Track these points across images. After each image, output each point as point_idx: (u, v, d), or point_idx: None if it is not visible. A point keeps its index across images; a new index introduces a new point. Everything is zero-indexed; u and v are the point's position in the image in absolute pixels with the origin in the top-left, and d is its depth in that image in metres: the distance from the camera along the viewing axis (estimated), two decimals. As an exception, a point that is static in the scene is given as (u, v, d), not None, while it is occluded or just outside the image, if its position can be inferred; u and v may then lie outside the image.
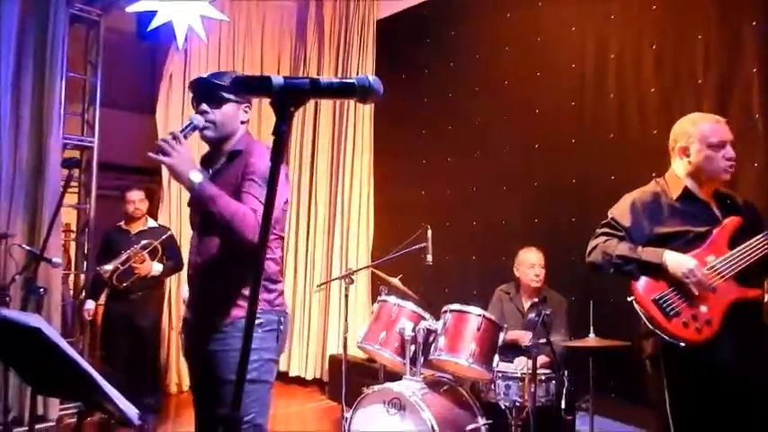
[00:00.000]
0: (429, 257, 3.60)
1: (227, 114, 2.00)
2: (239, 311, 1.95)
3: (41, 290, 2.75)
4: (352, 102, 6.10)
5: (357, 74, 5.63)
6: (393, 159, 5.50)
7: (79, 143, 4.85)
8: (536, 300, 3.07)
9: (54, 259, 3.21)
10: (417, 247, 3.59)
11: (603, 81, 4.01)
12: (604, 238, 2.30)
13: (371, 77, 1.13)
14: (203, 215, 1.97)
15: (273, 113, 1.08)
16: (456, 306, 3.24)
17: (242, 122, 2.07)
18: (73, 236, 5.17)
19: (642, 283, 2.18)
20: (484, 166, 4.75)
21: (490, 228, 4.64)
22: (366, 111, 5.59)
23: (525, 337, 3.35)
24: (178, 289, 5.13)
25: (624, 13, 3.93)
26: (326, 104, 5.83)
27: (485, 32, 4.83)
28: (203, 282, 2.04)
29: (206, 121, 1.99)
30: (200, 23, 4.17)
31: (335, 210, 5.69)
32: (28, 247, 3.48)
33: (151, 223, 4.35)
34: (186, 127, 1.93)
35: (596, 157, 3.99)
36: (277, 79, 1.07)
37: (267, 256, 2.00)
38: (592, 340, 2.99)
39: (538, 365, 2.91)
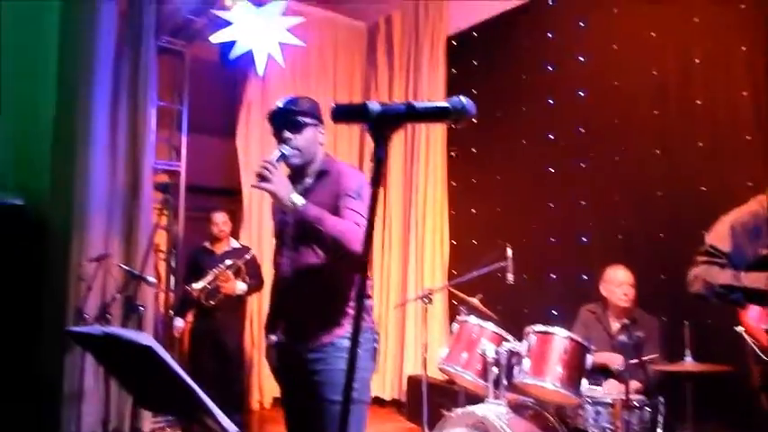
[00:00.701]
0: (510, 276, 3.52)
1: (308, 139, 2.09)
2: (340, 330, 1.99)
3: (141, 308, 2.89)
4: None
5: (428, 92, 5.64)
6: (467, 176, 5.45)
7: (168, 167, 5.13)
8: (626, 321, 2.92)
9: (149, 278, 3.38)
10: (497, 266, 3.52)
11: (688, 87, 3.82)
12: (704, 266, 2.16)
13: (464, 99, 1.13)
14: (299, 231, 2.03)
15: (372, 139, 1.10)
16: (540, 327, 3.13)
17: (320, 144, 2.16)
18: (162, 255, 5.44)
19: (752, 312, 2.03)
20: (561, 181, 4.62)
21: (569, 245, 4.49)
22: (439, 127, 5.58)
23: (616, 360, 3.21)
24: (260, 308, 5.28)
25: (708, 16, 3.74)
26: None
27: (557, 43, 4.73)
28: (299, 297, 2.06)
29: (291, 148, 2.06)
30: (278, 50, 4.32)
31: (410, 227, 5.70)
32: (127, 267, 3.68)
33: (234, 243, 4.52)
34: (276, 158, 2.00)
35: (684, 167, 3.79)
36: (374, 106, 1.09)
37: None
38: (689, 364, 2.80)
39: (630, 390, 2.76)
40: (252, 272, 4.38)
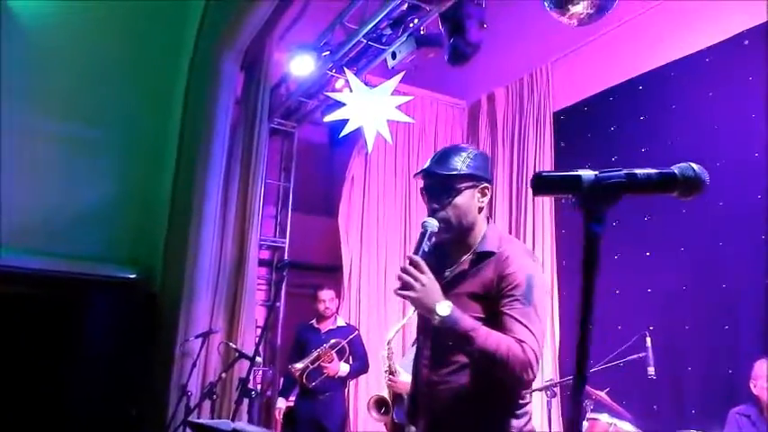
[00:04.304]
0: (651, 370, 3.10)
1: (461, 207, 1.71)
2: None
3: (253, 392, 2.78)
4: (530, 190, 5.96)
5: (535, 169, 5.46)
6: (578, 256, 5.06)
7: (272, 243, 5.18)
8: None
9: (257, 359, 3.29)
10: (635, 356, 3.13)
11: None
12: None
13: (696, 166, 0.93)
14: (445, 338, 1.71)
15: (583, 215, 0.92)
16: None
17: (479, 209, 1.76)
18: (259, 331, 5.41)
19: None
20: (690, 261, 4.17)
21: (708, 333, 3.97)
22: (546, 200, 5.29)
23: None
24: (356, 391, 5.05)
25: None
26: (502, 192, 5.67)
27: (678, 116, 4.44)
28: (444, 402, 1.72)
29: (439, 221, 1.70)
30: (386, 128, 4.34)
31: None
32: (234, 346, 3.63)
33: (340, 322, 4.39)
34: (421, 240, 1.66)
35: None
36: (587, 175, 0.92)
37: None
38: None
39: None
40: (357, 353, 4.21)
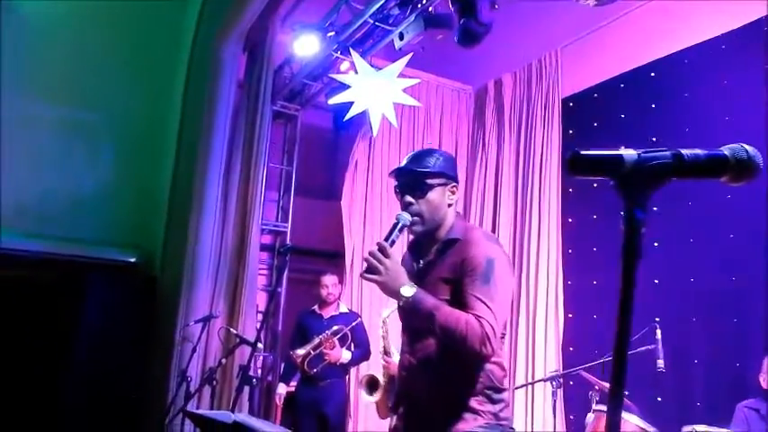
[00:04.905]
0: (660, 363, 3.04)
1: (432, 203, 1.84)
2: (464, 425, 1.72)
3: (254, 380, 2.73)
4: (536, 178, 5.93)
5: (542, 156, 5.37)
6: (587, 243, 5.02)
7: (274, 228, 5.11)
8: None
9: (258, 344, 3.23)
10: (644, 348, 3.07)
11: None
12: None
13: (749, 148, 0.85)
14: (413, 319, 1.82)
15: (622, 198, 0.84)
16: (704, 428, 2.65)
17: (449, 205, 1.89)
18: (260, 317, 5.36)
19: None
20: (698, 253, 4.10)
21: (715, 326, 3.91)
22: (552, 188, 5.24)
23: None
24: (357, 378, 5.00)
25: None
26: (508, 179, 5.60)
27: (690, 104, 4.34)
28: (419, 387, 1.83)
29: (412, 215, 1.83)
30: (392, 111, 4.25)
31: (519, 298, 5.28)
32: (235, 332, 3.57)
33: (342, 308, 4.33)
34: (392, 230, 1.78)
35: None
36: (629, 156, 0.83)
37: (492, 359, 1.75)
38: None
39: None
40: (358, 340, 4.15)
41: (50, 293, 4.45)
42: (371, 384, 3.56)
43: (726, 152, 0.84)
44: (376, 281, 1.70)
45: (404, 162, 1.92)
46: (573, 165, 0.85)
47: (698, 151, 0.84)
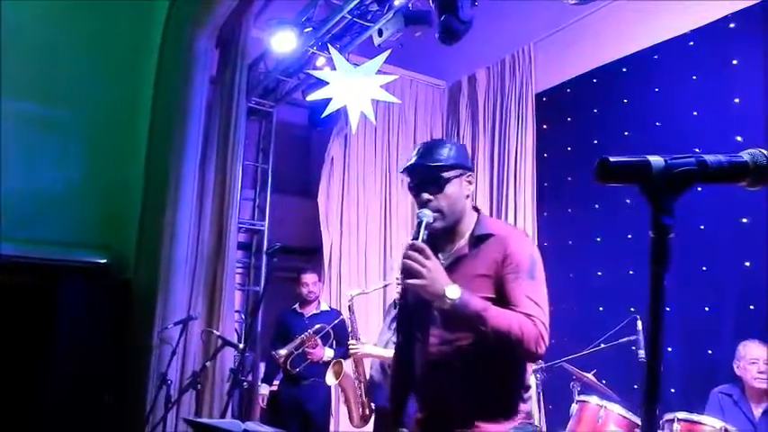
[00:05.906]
0: (641, 353, 3.12)
1: (451, 196, 1.74)
2: (497, 428, 1.65)
3: (245, 383, 2.69)
4: (511, 173, 6.00)
5: (517, 151, 5.43)
6: (562, 237, 5.11)
7: (251, 227, 5.04)
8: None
9: (240, 345, 3.19)
10: (625, 340, 3.14)
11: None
12: None
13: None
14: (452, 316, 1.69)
15: (650, 203, 0.86)
16: (685, 415, 2.73)
17: (467, 197, 1.80)
18: (239, 316, 5.28)
19: None
20: (673, 244, 4.21)
21: (690, 317, 4.03)
22: (528, 182, 5.31)
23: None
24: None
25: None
26: (483, 174, 5.64)
27: (660, 98, 4.45)
28: (448, 388, 1.71)
29: (433, 211, 1.72)
30: (370, 107, 4.22)
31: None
32: (218, 333, 3.51)
33: (323, 306, 4.31)
34: (418, 230, 1.66)
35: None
36: (657, 162, 0.85)
37: None
38: None
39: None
40: (341, 338, 4.13)
41: (21, 298, 4.29)
42: (338, 370, 3.72)
43: (746, 157, 0.86)
44: (419, 285, 1.58)
45: (414, 157, 1.81)
46: (601, 172, 0.86)
47: (720, 157, 0.87)
